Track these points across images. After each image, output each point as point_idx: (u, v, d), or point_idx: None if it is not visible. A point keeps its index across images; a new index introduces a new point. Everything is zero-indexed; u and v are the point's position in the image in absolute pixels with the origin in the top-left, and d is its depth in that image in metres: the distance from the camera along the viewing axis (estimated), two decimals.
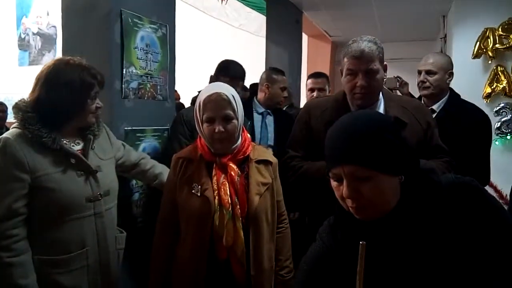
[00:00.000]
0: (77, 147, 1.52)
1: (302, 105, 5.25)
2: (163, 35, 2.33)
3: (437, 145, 1.68)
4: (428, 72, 2.23)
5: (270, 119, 2.79)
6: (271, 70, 2.91)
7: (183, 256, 1.47)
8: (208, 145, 1.49)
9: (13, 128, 1.43)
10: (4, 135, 1.40)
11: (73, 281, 1.45)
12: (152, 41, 2.24)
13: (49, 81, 1.45)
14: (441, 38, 5.94)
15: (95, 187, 1.51)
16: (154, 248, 1.56)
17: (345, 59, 1.60)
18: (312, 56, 7.22)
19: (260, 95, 2.82)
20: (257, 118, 2.75)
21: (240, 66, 2.44)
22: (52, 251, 1.43)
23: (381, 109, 1.63)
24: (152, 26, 2.24)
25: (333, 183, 0.92)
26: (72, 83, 1.45)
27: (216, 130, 1.42)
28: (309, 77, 3.21)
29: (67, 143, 1.48)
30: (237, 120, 1.46)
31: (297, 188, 1.76)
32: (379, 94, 1.66)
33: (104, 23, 1.98)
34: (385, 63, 1.62)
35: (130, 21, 2.07)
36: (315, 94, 3.05)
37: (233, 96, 1.46)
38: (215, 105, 1.42)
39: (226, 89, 1.46)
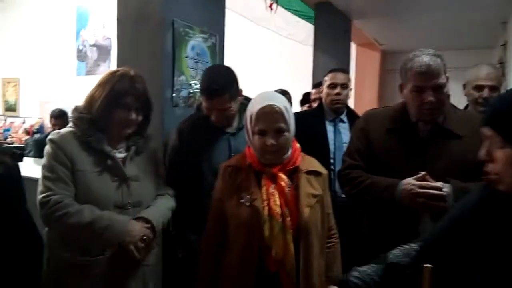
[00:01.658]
0: (119, 155, 1.55)
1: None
2: (213, 44, 2.35)
3: None
4: (493, 88, 2.04)
5: (344, 126, 2.50)
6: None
7: (231, 267, 1.44)
8: (258, 156, 1.46)
9: (68, 127, 1.53)
10: (58, 131, 1.51)
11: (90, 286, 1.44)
12: (203, 50, 2.27)
13: (98, 83, 1.54)
14: (500, 46, 5.61)
15: (126, 195, 1.51)
16: (201, 258, 1.54)
17: (409, 75, 1.52)
18: (360, 65, 7.08)
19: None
20: (329, 127, 2.48)
21: (217, 77, 1.76)
22: (71, 252, 1.43)
23: (441, 119, 1.56)
24: (203, 35, 2.27)
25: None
26: (105, 85, 1.50)
27: (268, 144, 1.38)
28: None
29: (109, 147, 1.51)
30: (289, 132, 1.43)
31: (358, 200, 1.69)
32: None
33: (156, 33, 2.04)
34: (447, 74, 1.54)
35: (181, 30, 2.11)
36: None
37: (286, 108, 1.43)
38: (268, 117, 1.38)
39: (279, 101, 1.43)
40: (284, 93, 3.34)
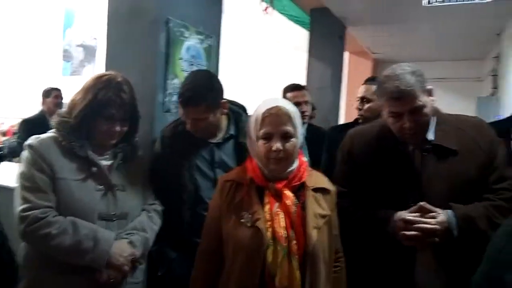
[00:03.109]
0: (105, 162, 1.45)
1: (340, 122, 5.07)
2: (209, 46, 2.21)
3: (499, 174, 1.39)
4: None
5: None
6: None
7: None
8: (262, 166, 1.31)
9: (49, 132, 1.42)
10: (37, 136, 1.40)
11: None
12: (198, 52, 2.13)
13: (82, 87, 1.43)
14: (493, 57, 5.62)
15: (111, 205, 1.41)
16: (192, 281, 1.39)
17: (383, 99, 1.39)
18: (352, 73, 7.02)
19: None
20: None
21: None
22: (56, 268, 1.32)
23: (431, 135, 1.42)
24: (199, 36, 2.12)
25: None
26: (87, 91, 1.40)
27: (274, 148, 1.24)
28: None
29: (94, 153, 1.41)
30: (297, 139, 1.29)
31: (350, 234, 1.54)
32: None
33: (149, 32, 1.89)
34: (429, 87, 1.39)
35: (176, 30, 1.96)
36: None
37: (294, 112, 1.30)
38: (275, 119, 1.25)
39: (287, 104, 1.31)
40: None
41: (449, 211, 1.34)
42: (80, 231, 1.30)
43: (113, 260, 1.34)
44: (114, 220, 1.41)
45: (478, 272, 1.03)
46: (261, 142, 1.27)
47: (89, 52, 5.81)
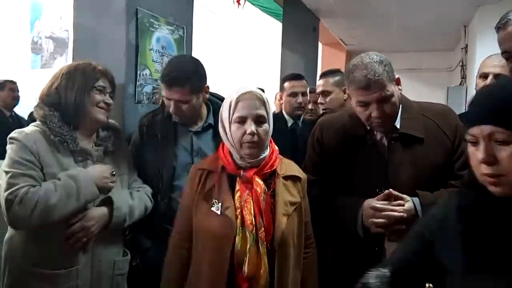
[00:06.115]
0: (94, 153, 1.44)
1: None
2: (180, 37, 2.20)
3: (464, 160, 1.37)
4: (498, 77, 1.72)
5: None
6: (285, 77, 2.57)
7: (197, 285, 1.30)
8: (234, 152, 1.32)
9: (31, 125, 1.38)
10: (21, 129, 1.36)
11: None
12: (169, 43, 2.12)
13: (58, 74, 1.42)
14: (462, 48, 5.78)
15: (102, 197, 1.40)
16: (166, 271, 1.39)
17: (351, 88, 1.38)
18: (326, 65, 7.07)
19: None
20: (291, 133, 2.44)
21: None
22: (39, 263, 1.30)
23: (398, 122, 1.43)
24: (169, 27, 2.11)
25: (470, 148, 0.88)
26: (75, 73, 1.40)
27: (248, 131, 1.25)
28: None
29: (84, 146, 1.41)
30: (269, 125, 1.31)
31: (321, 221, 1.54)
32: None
33: (118, 23, 1.87)
34: (397, 76, 1.40)
35: (146, 21, 1.95)
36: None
37: (266, 98, 1.33)
38: (249, 103, 1.27)
39: (259, 90, 1.34)
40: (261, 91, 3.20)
41: (415, 198, 1.35)
42: (57, 183, 1.29)
43: (98, 182, 1.36)
44: None
45: (415, 230, 1.06)
46: (234, 126, 1.28)
47: (60, 44, 5.65)
